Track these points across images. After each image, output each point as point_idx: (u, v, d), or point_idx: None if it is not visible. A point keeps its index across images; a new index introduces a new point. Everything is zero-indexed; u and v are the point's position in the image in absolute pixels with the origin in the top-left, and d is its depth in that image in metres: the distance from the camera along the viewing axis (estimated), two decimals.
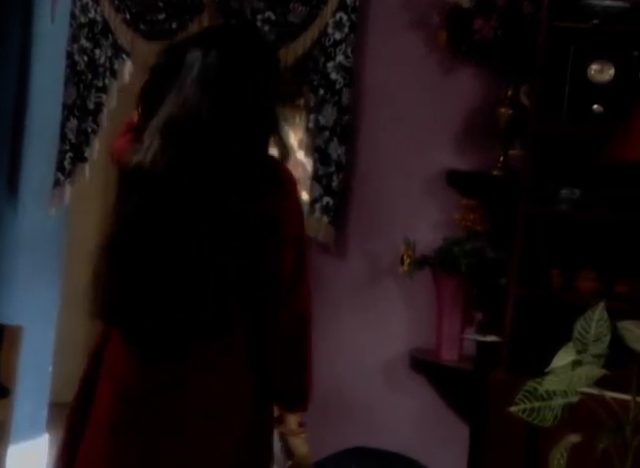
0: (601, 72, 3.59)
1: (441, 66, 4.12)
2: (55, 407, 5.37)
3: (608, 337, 2.30)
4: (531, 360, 3.26)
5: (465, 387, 3.89)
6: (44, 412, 4.87)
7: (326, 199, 4.21)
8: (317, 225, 4.20)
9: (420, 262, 3.87)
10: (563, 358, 2.37)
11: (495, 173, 3.91)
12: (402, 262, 3.93)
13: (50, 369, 4.90)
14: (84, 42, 4.40)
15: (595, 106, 3.62)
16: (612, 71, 3.59)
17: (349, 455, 1.81)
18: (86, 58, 4.41)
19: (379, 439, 4.17)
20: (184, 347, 2.44)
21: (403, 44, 4.20)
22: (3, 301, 4.57)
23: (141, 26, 4.36)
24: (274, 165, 2.50)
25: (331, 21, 4.16)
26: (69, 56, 4.42)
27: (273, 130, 2.50)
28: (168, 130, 2.43)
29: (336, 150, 4.19)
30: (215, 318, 2.41)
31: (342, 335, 4.38)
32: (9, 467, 4.53)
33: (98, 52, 4.41)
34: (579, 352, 2.31)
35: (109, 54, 4.41)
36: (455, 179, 4.04)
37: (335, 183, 4.20)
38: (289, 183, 2.50)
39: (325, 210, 4.21)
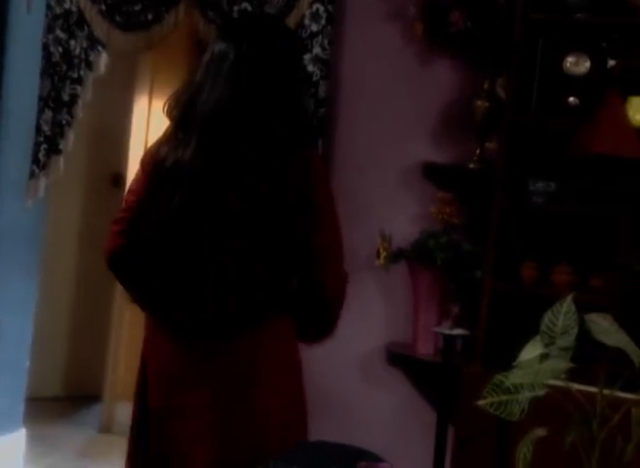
0: (576, 64, 3.57)
1: (418, 58, 4.10)
2: (32, 402, 5.36)
3: (575, 330, 2.27)
4: (505, 353, 3.25)
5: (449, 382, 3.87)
6: (20, 408, 4.84)
7: None
8: None
9: (396, 255, 3.85)
10: (530, 351, 2.34)
11: (471, 166, 3.89)
12: (378, 255, 3.91)
13: (27, 363, 4.87)
14: (59, 33, 4.36)
15: (571, 99, 3.60)
16: (587, 63, 3.57)
17: (303, 451, 1.79)
18: (61, 49, 4.37)
19: (356, 433, 4.14)
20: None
21: (380, 36, 4.17)
22: None
23: (117, 18, 4.32)
24: (307, 155, 2.55)
25: (307, 13, 4.13)
26: (45, 47, 4.37)
27: (305, 119, 2.60)
28: (207, 125, 2.48)
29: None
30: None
31: None
32: None
33: (73, 43, 4.37)
34: (546, 345, 2.28)
35: (85, 45, 4.37)
36: (431, 172, 4.02)
37: None
38: (320, 172, 2.58)
39: None
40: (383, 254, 3.86)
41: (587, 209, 3.64)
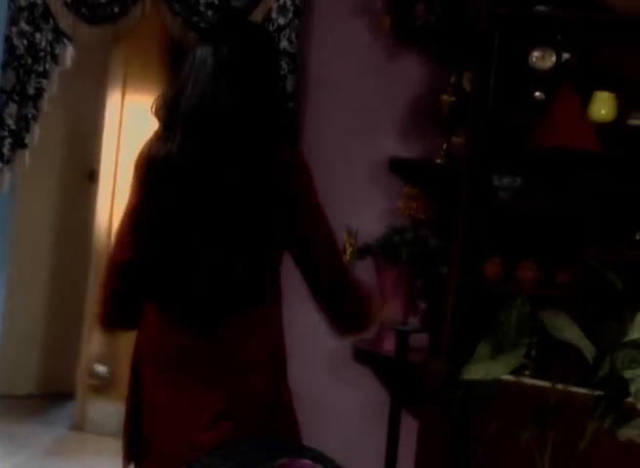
0: (542, 59, 3.55)
1: (386, 53, 4.07)
2: (3, 399, 5.32)
3: (529, 326, 2.26)
4: (471, 349, 3.23)
5: (408, 377, 3.84)
6: None
7: None
8: None
9: (362, 251, 3.81)
10: (485, 347, 2.33)
11: (437, 160, 3.85)
12: (344, 252, 3.86)
13: None
14: (24, 26, 4.30)
15: (537, 93, 3.58)
16: (553, 58, 3.55)
17: (238, 447, 1.77)
18: (26, 42, 4.31)
19: (324, 431, 4.12)
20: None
21: (348, 30, 4.14)
22: None
23: (83, 10, 4.27)
24: (288, 152, 2.64)
25: (275, 6, 4.09)
26: (7, 39, 4.31)
27: (284, 114, 2.74)
28: (190, 120, 2.59)
29: None
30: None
31: (286, 326, 4.31)
32: None
33: (38, 36, 4.31)
34: (500, 341, 2.27)
35: (50, 38, 4.32)
36: (397, 167, 3.99)
37: None
38: (301, 168, 2.64)
39: None
40: (349, 250, 3.82)
41: (553, 204, 3.61)
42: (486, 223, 3.72)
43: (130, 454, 2.78)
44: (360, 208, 4.14)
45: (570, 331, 2.20)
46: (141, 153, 2.70)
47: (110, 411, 5.14)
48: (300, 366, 4.30)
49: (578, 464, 2.13)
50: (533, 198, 3.64)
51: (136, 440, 2.76)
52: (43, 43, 4.32)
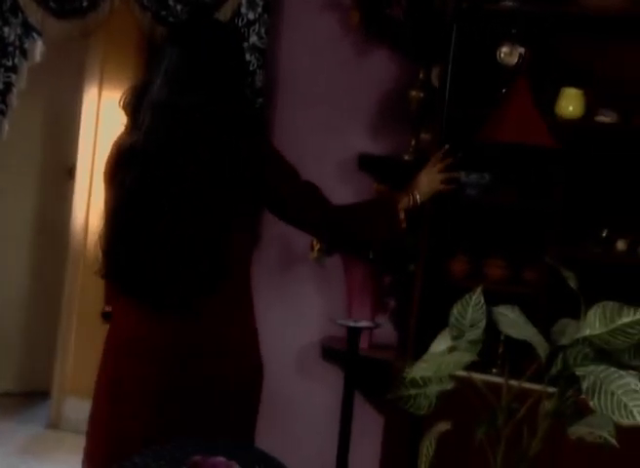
0: (510, 55, 3.52)
1: (355, 48, 4.04)
2: None
3: (483, 323, 2.22)
4: None
5: (377, 376, 3.81)
6: None
7: None
8: None
9: (329, 249, 3.77)
10: (440, 344, 2.29)
11: (406, 157, 3.82)
12: (312, 249, 3.84)
13: None
14: None
15: (504, 90, 3.54)
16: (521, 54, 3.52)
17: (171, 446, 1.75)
18: None
19: (291, 427, 4.10)
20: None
21: (317, 25, 4.11)
22: None
23: (51, 4, 4.21)
24: (253, 144, 2.71)
25: (244, 1, 4.04)
26: None
27: (251, 110, 2.92)
28: (157, 109, 2.69)
29: None
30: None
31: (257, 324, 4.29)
32: None
33: (7, 30, 4.26)
34: (454, 338, 2.23)
35: (19, 32, 4.27)
36: (366, 164, 3.96)
37: None
38: (268, 158, 2.75)
39: None
40: (317, 248, 3.80)
41: (520, 201, 3.59)
42: (453, 220, 3.69)
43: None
44: None
45: (523, 328, 2.17)
46: (112, 146, 2.81)
47: (85, 409, 5.09)
48: (267, 363, 4.27)
49: (529, 462, 2.10)
50: (500, 195, 3.62)
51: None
52: (12, 37, 4.27)
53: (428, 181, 2.91)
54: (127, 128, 2.78)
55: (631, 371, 2.05)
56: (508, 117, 2.90)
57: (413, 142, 3.85)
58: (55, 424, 5.24)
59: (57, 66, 5.37)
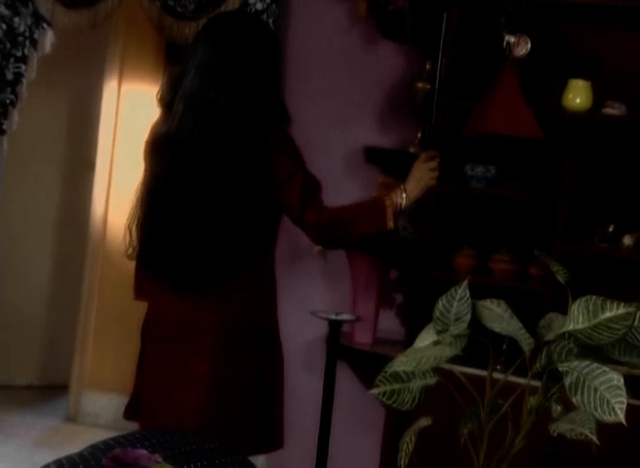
0: (517, 45, 3.45)
1: (363, 39, 4.00)
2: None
3: (468, 317, 2.18)
4: None
5: (379, 371, 3.76)
6: None
7: None
8: None
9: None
10: (424, 338, 2.25)
11: (411, 149, 3.76)
12: None
13: None
14: (2, 10, 4.24)
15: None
16: (529, 45, 3.45)
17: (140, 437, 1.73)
18: (4, 26, 4.26)
19: (298, 421, 4.05)
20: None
21: (325, 16, 4.07)
22: None
23: None
24: (275, 137, 2.82)
25: None
26: None
27: (279, 104, 2.88)
28: (185, 102, 2.81)
29: None
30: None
31: None
32: None
33: (17, 20, 4.27)
34: (439, 332, 2.19)
35: (29, 22, 4.27)
36: (372, 156, 3.91)
37: None
38: (283, 145, 2.85)
39: None
40: None
41: (527, 194, 3.52)
42: (458, 214, 3.64)
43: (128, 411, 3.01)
44: (338, 197, 4.00)
45: (507, 323, 2.12)
46: (149, 131, 2.92)
47: (103, 403, 5.11)
48: None
49: (511, 458, 2.05)
50: (506, 188, 3.55)
51: (134, 400, 2.98)
52: (22, 27, 4.27)
53: (418, 178, 2.87)
54: (161, 116, 2.90)
55: (620, 367, 2.00)
56: (493, 108, 2.84)
57: (419, 135, 3.79)
58: (73, 417, 5.25)
59: (81, 61, 5.40)
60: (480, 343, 2.09)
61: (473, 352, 2.15)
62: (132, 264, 2.99)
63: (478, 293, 2.38)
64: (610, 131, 3.49)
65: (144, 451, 1.47)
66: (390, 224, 2.79)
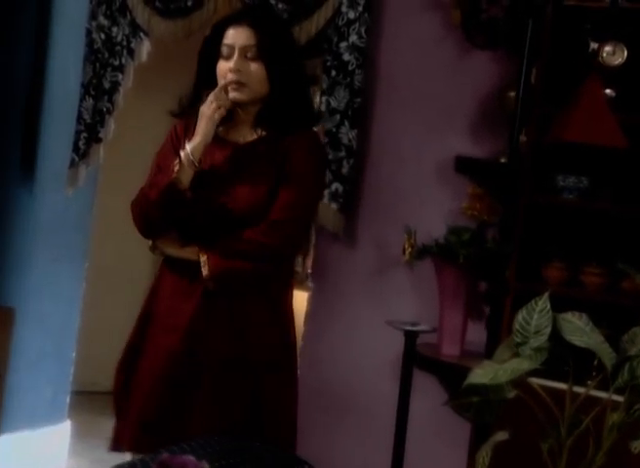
0: (613, 54, 3.37)
1: (456, 48, 3.94)
2: (83, 395, 5.35)
3: (549, 329, 2.12)
4: None
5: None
6: (65, 399, 4.80)
7: (335, 185, 4.05)
8: (326, 212, 4.04)
9: (421, 252, 3.69)
10: (504, 351, 2.20)
11: (502, 160, 3.70)
12: (404, 252, 3.76)
13: (73, 354, 4.84)
14: (102, 20, 4.33)
15: (608, 90, 3.40)
16: (625, 54, 3.37)
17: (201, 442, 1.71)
18: (103, 36, 4.34)
19: (387, 439, 4.01)
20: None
21: (418, 24, 4.03)
22: (21, 285, 4.50)
23: (157, 4, 4.27)
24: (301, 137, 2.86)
25: (345, 0, 4.01)
26: (88, 33, 4.35)
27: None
28: None
29: (346, 134, 4.03)
30: None
31: (350, 327, 4.24)
32: (30, 452, 4.51)
33: (115, 30, 4.34)
34: (518, 345, 2.13)
35: (127, 32, 4.34)
36: (462, 166, 3.85)
37: (345, 169, 4.04)
38: (307, 148, 2.87)
39: (334, 196, 4.05)
40: (408, 250, 3.71)
41: (621, 207, 3.42)
42: (549, 225, 3.55)
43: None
44: (427, 208, 4.03)
45: (589, 336, 2.06)
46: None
47: None
48: (364, 368, 4.22)
49: None
50: (600, 200, 3.46)
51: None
52: (119, 37, 4.35)
53: (200, 118, 2.92)
54: None
55: None
56: (576, 116, 2.76)
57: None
58: None
59: (180, 69, 5.44)
60: (567, 358, 2.03)
61: (559, 367, 2.09)
62: None
63: (569, 307, 2.32)
64: None
65: (192, 458, 1.46)
66: (178, 177, 2.88)
